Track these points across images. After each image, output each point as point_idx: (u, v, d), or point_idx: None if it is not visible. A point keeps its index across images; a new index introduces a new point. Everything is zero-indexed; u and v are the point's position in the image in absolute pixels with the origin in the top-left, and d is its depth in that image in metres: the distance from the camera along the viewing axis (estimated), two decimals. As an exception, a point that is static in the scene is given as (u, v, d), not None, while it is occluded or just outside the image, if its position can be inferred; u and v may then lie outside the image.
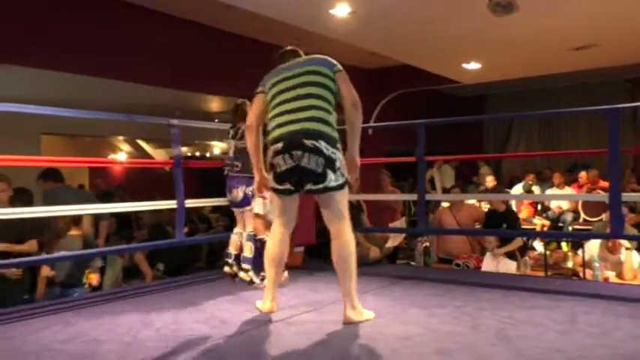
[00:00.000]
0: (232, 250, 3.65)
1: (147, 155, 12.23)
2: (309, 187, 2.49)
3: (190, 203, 3.97)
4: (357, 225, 4.70)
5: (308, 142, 2.42)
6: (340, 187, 2.49)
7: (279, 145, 2.49)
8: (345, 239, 2.51)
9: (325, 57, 2.66)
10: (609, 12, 5.36)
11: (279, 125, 2.53)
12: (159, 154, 12.28)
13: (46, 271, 4.14)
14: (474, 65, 7.52)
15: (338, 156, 2.47)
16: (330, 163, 2.44)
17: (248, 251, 3.51)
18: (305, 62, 2.66)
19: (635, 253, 4.42)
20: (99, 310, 3.00)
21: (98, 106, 6.38)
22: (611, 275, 4.29)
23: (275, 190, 2.64)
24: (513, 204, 6.29)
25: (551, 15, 5.38)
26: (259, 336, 2.42)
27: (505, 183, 9.10)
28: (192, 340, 2.38)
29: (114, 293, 3.57)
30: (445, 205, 5.93)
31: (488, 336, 2.32)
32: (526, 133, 11.61)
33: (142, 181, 10.79)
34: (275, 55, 2.86)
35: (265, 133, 2.71)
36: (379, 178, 5.83)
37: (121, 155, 12.32)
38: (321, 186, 2.46)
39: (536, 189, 8.01)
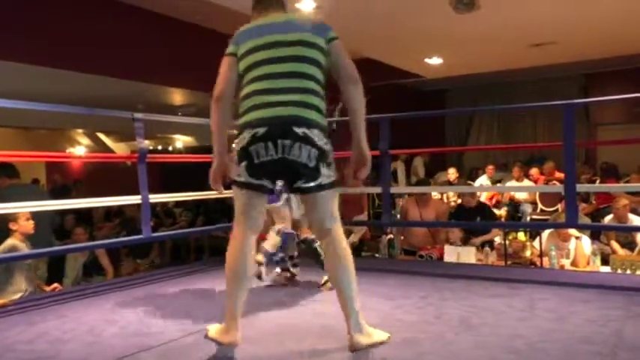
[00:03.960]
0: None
1: (107, 149, 11.96)
2: (300, 184, 2.05)
3: (155, 198, 3.91)
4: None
5: (298, 131, 1.99)
6: (333, 185, 2.10)
7: (261, 130, 2.00)
8: (343, 245, 2.11)
9: (317, 20, 2.18)
10: (566, 10, 5.56)
11: (260, 106, 2.04)
12: (120, 148, 12.03)
13: None
14: (436, 60, 7.66)
15: (330, 148, 2.10)
16: (323, 156, 2.04)
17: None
18: (295, 25, 2.12)
19: (587, 239, 4.61)
20: (62, 309, 2.93)
21: (55, 99, 6.20)
22: (566, 263, 4.47)
23: (244, 185, 2.09)
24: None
25: (512, 12, 5.54)
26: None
27: (464, 175, 9.33)
28: (156, 338, 2.36)
29: (77, 291, 3.50)
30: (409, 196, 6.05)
31: (452, 325, 2.39)
32: (486, 128, 11.88)
33: (103, 176, 10.55)
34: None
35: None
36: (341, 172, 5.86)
37: (80, 149, 12.00)
38: (313, 184, 2.04)
39: (503, 181, 8.24)
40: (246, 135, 2.04)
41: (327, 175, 2.07)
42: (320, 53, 2.11)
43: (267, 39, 2.09)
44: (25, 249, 3.68)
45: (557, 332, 2.27)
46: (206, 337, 2.12)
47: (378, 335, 2.11)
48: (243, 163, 2.06)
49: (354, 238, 4.71)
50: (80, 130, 11.54)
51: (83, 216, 6.80)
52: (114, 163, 10.70)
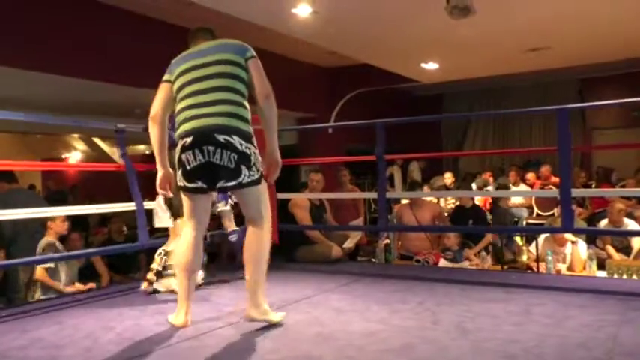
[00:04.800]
0: None
1: (103, 154, 11.92)
2: (221, 184, 2.37)
3: (150, 205, 3.90)
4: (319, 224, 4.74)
5: (220, 138, 2.30)
6: (255, 182, 2.39)
7: (188, 139, 2.34)
8: (260, 233, 2.43)
9: (238, 43, 2.49)
10: (561, 16, 5.59)
11: (187, 120, 2.37)
12: (117, 153, 11.97)
13: None
14: (432, 65, 7.68)
15: (253, 151, 2.38)
16: (244, 159, 2.34)
17: None
18: (216, 48, 2.47)
19: (582, 244, 4.62)
20: (58, 315, 2.92)
21: (54, 104, 6.19)
22: (562, 267, 4.48)
23: (184, 189, 2.47)
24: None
25: (508, 18, 5.56)
26: (222, 337, 2.42)
27: (459, 180, 9.35)
28: (153, 343, 2.35)
29: (73, 297, 3.48)
30: (404, 201, 6.05)
31: (448, 330, 2.40)
32: (482, 132, 11.91)
33: (100, 180, 10.50)
34: (188, 35, 2.67)
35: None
36: (339, 176, 5.87)
37: (76, 154, 11.96)
38: (234, 183, 2.36)
39: (490, 187, 8.24)
40: (179, 146, 2.39)
41: (247, 175, 2.36)
42: (240, 69, 2.42)
43: (192, 62, 2.45)
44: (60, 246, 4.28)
45: (553, 337, 2.27)
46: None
47: (273, 315, 2.49)
48: (179, 171, 2.43)
49: (350, 243, 4.68)
50: (76, 135, 11.51)
51: (79, 221, 6.76)
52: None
